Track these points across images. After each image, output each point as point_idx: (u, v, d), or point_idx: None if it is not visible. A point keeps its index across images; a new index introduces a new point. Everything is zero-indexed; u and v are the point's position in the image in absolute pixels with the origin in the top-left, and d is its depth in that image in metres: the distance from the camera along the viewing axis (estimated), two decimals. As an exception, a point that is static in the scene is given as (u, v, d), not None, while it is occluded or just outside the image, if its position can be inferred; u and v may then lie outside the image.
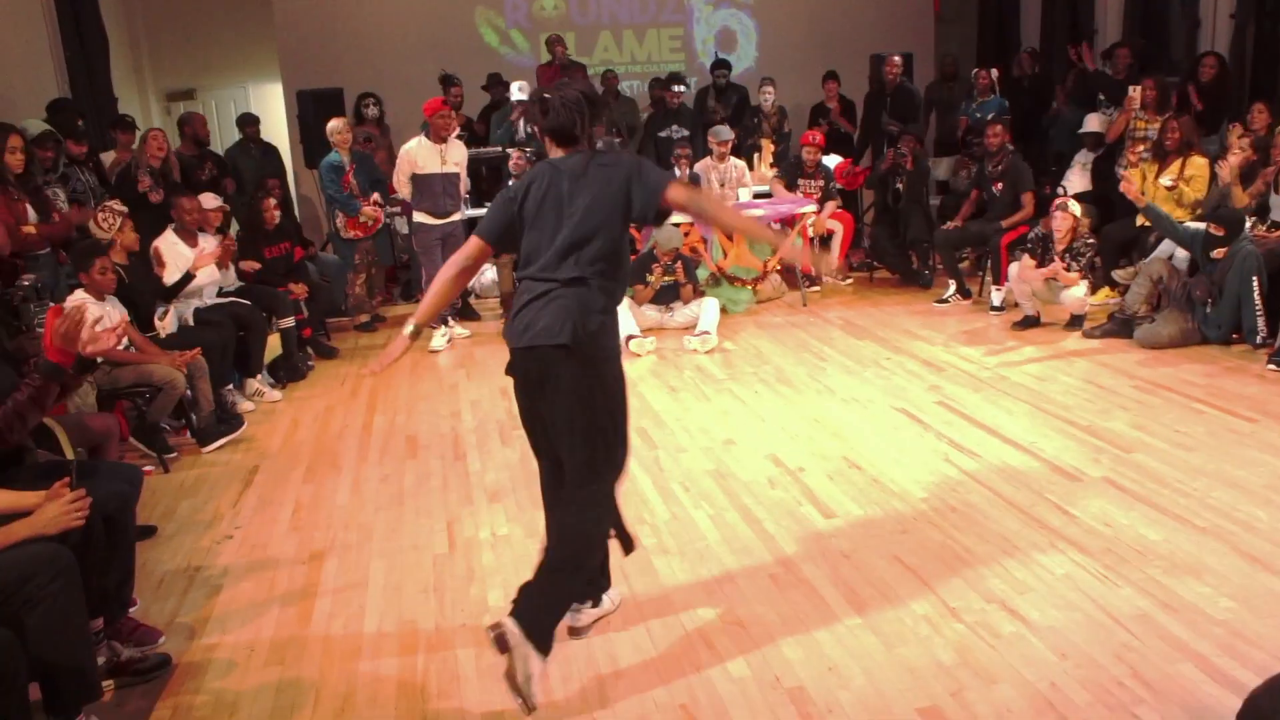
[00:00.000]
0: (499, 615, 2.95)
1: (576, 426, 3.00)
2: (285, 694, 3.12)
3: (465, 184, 7.58)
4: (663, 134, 9.63)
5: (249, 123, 9.38)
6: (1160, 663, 2.99)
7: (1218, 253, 6.05)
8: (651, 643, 3.27)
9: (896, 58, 9.54)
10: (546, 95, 3.12)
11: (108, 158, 7.63)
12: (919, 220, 8.26)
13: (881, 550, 3.81)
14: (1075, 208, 6.68)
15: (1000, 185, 7.55)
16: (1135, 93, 7.58)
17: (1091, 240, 6.72)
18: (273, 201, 7.10)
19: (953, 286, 7.80)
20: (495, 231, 3.18)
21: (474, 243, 3.20)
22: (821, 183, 8.59)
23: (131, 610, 3.55)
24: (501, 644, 2.86)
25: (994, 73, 9.17)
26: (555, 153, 3.17)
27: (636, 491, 4.53)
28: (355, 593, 3.74)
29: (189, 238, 6.08)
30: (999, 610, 3.32)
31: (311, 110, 9.20)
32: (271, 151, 9.59)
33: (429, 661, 3.24)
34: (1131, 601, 3.33)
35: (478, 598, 3.63)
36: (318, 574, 3.92)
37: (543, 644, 2.88)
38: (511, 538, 4.13)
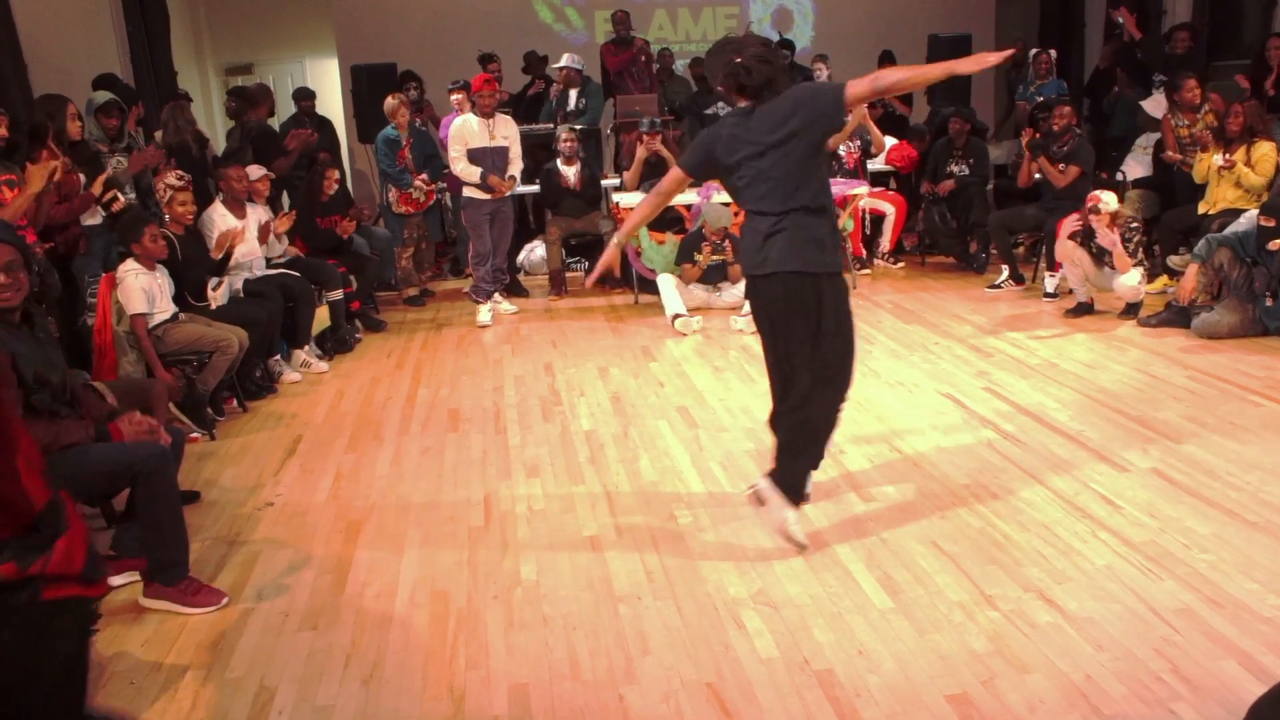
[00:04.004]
0: (540, 587, 2.95)
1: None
2: (315, 659, 3.16)
3: (517, 159, 7.56)
4: (708, 111, 9.53)
5: (304, 96, 9.46)
6: (1201, 659, 2.91)
7: (1273, 244, 5.86)
8: (681, 620, 3.25)
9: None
10: (739, 59, 3.49)
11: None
12: (979, 204, 8.10)
13: (919, 535, 3.75)
14: (1111, 203, 6.43)
15: (1062, 167, 7.37)
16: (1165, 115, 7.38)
17: (1137, 224, 6.53)
18: (336, 173, 7.18)
19: (1006, 271, 7.65)
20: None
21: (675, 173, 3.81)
22: (858, 142, 8.48)
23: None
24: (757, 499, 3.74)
25: (1053, 54, 8.93)
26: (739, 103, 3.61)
27: (674, 469, 4.51)
28: (390, 563, 3.77)
29: (237, 208, 6.15)
30: (1036, 599, 3.26)
31: (365, 85, 9.27)
32: (326, 125, 9.68)
33: (459, 633, 3.26)
34: (1175, 595, 3.24)
35: (510, 571, 3.64)
36: (354, 543, 3.96)
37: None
38: (547, 512, 4.14)
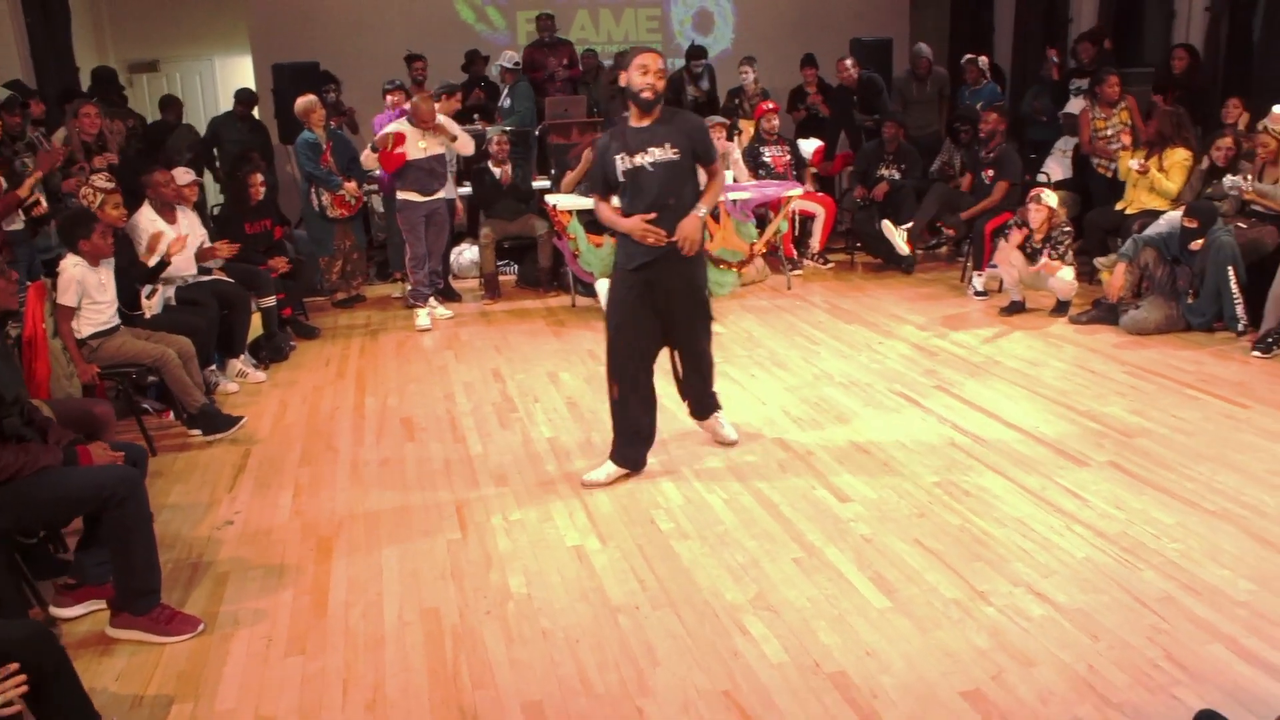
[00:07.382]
0: (533, 600, 2.86)
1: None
2: (310, 686, 3.04)
3: (463, 141, 7.43)
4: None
5: (244, 99, 9.28)
6: (1191, 644, 3.02)
7: (1195, 245, 6.14)
8: (684, 628, 3.23)
9: (848, 61, 9.46)
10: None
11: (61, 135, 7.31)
12: (909, 207, 8.27)
13: (901, 534, 3.81)
14: (1051, 199, 6.67)
15: (991, 172, 7.58)
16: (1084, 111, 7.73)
17: (1069, 229, 6.76)
18: (259, 176, 6.91)
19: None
20: None
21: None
22: (787, 146, 8.61)
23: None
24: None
25: (983, 60, 9.16)
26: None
27: (646, 473, 4.48)
28: (370, 580, 3.66)
29: (167, 213, 5.88)
30: (1026, 593, 3.34)
31: (289, 84, 8.96)
32: (259, 128, 9.38)
33: (458, 651, 3.17)
34: (1154, 584, 3.36)
35: (499, 584, 3.57)
36: (328, 560, 3.83)
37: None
38: (525, 523, 4.07)
